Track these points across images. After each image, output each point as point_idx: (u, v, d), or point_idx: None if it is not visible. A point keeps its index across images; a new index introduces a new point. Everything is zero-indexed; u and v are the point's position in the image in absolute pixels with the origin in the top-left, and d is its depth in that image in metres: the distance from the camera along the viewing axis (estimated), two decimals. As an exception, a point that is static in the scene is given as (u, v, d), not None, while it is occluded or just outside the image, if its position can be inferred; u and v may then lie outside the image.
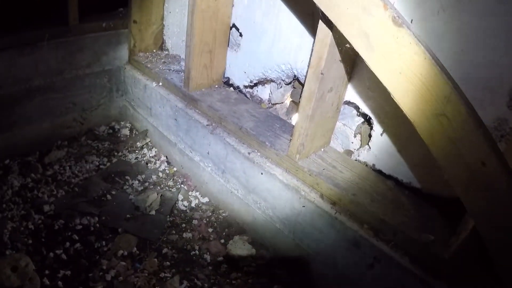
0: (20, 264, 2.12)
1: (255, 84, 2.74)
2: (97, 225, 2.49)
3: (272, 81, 2.63)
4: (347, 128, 2.29)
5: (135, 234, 2.44)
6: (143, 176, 2.89)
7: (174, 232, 2.52)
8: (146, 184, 2.83)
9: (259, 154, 2.37)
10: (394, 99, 1.63)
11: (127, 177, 2.85)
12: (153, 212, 2.58)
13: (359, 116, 2.22)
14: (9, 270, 2.09)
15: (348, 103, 2.22)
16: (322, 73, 1.92)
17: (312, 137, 2.15)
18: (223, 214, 2.68)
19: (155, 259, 2.32)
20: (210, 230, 2.56)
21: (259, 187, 2.39)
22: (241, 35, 2.66)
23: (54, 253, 2.28)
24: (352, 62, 2.07)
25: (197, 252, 2.41)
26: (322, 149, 2.31)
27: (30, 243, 2.31)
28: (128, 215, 2.56)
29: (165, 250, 2.39)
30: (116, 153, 3.07)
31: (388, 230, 1.93)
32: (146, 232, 2.46)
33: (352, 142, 2.30)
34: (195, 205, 2.74)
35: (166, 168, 3.00)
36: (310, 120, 2.06)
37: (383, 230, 1.95)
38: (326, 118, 2.18)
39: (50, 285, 2.13)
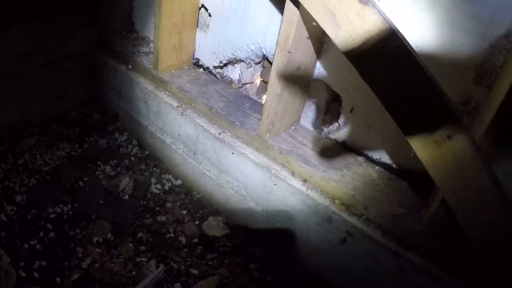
0: (-6, 258, 2.09)
1: (225, 65, 2.71)
2: (70, 213, 2.45)
3: (241, 61, 2.60)
4: (317, 106, 2.29)
5: (109, 219, 2.41)
6: (115, 161, 2.84)
7: (148, 216, 2.50)
8: (118, 169, 2.79)
9: (229, 134, 2.35)
10: (361, 77, 1.63)
11: (99, 163, 2.80)
12: (126, 197, 2.56)
13: (329, 94, 2.21)
14: (-17, 264, 2.05)
15: (317, 80, 2.20)
16: (289, 52, 1.91)
17: (281, 116, 2.15)
18: (197, 196, 2.66)
19: (130, 244, 2.31)
20: (184, 212, 2.54)
21: (230, 167, 2.38)
22: (210, 15, 2.62)
23: (29, 244, 2.25)
24: (320, 40, 2.05)
25: (172, 235, 2.40)
26: (293, 128, 2.31)
27: (4, 235, 2.27)
28: (101, 201, 2.52)
29: (140, 235, 2.37)
30: (87, 139, 3.01)
31: (359, 205, 1.95)
32: (120, 217, 2.43)
33: (323, 120, 2.29)
34: (168, 188, 2.72)
35: (138, 152, 2.97)
36: (279, 99, 2.05)
37: (354, 204, 1.96)
38: (295, 97, 2.17)
39: (26, 276, 2.10)
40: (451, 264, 1.80)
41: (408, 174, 2.05)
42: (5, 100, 2.77)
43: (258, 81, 2.59)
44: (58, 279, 2.11)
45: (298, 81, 2.10)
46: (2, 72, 2.66)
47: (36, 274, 2.12)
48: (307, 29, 1.91)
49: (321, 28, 1.69)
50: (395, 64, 1.52)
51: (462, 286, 1.76)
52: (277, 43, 1.95)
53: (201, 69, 2.82)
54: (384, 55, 1.54)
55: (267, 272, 2.27)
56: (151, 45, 2.98)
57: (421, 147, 1.61)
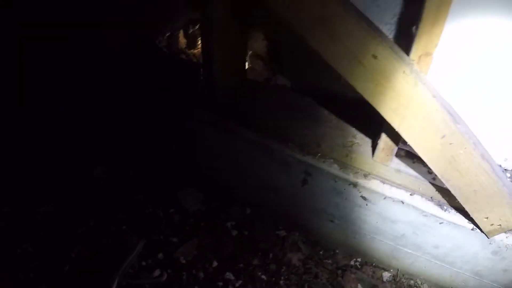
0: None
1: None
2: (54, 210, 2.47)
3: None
4: (260, 58, 2.27)
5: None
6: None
7: (126, 197, 2.51)
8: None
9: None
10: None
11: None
12: (102, 185, 2.58)
13: (268, 43, 2.19)
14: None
15: (256, 32, 2.18)
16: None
17: (223, 74, 2.10)
18: (170, 167, 2.66)
19: (113, 227, 2.35)
20: (159, 186, 2.55)
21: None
22: None
23: (21, 248, 2.27)
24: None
25: (150, 210, 2.42)
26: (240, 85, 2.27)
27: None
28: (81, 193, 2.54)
29: (120, 216, 2.39)
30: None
31: (312, 143, 1.94)
32: (99, 205, 2.46)
33: (269, 70, 2.27)
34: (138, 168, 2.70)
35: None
36: (217, 57, 2.01)
37: (307, 144, 1.96)
38: (234, 53, 2.11)
39: (25, 278, 2.14)
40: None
41: (359, 104, 2.02)
42: None
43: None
44: (53, 274, 2.15)
45: (232, 36, 2.02)
46: None
47: (32, 275, 2.15)
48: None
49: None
50: None
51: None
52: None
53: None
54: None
55: (244, 227, 2.31)
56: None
57: (349, 72, 1.60)
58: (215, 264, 2.18)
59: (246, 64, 2.28)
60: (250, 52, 2.25)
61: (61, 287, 2.12)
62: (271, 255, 2.21)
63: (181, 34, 2.51)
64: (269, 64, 2.23)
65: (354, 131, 1.97)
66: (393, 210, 1.91)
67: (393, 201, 1.87)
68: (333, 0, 1.48)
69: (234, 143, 2.15)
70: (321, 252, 2.24)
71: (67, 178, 2.65)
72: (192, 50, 2.57)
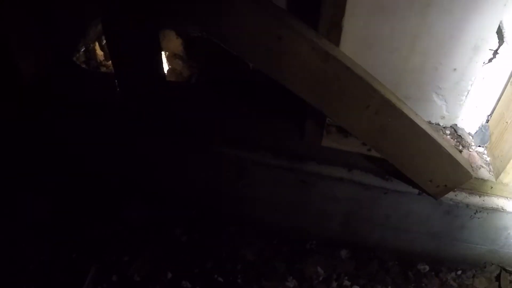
0: None
1: None
2: None
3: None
4: (178, 57, 2.15)
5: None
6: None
7: (71, 221, 2.35)
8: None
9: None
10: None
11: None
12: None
13: (183, 40, 2.07)
14: None
15: (168, 31, 2.06)
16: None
17: (137, 82, 1.90)
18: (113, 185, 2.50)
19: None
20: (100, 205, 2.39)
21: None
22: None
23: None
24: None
25: (97, 232, 2.26)
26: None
27: None
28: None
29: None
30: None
31: (240, 135, 1.85)
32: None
33: (188, 67, 2.16)
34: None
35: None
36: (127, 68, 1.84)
37: (238, 139, 1.86)
38: (145, 57, 1.91)
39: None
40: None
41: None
42: None
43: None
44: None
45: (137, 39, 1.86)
46: None
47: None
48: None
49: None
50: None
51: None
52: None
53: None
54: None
55: (193, 231, 2.20)
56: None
57: (259, 59, 1.50)
58: (169, 275, 2.06)
59: (166, 65, 2.14)
60: (167, 53, 2.11)
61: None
62: (224, 254, 2.11)
63: (96, 46, 2.36)
64: (188, 62, 2.10)
65: (280, 116, 1.88)
66: (334, 189, 1.84)
67: (332, 179, 1.79)
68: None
69: (165, 149, 2.03)
70: (274, 242, 2.15)
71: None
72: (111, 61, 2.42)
